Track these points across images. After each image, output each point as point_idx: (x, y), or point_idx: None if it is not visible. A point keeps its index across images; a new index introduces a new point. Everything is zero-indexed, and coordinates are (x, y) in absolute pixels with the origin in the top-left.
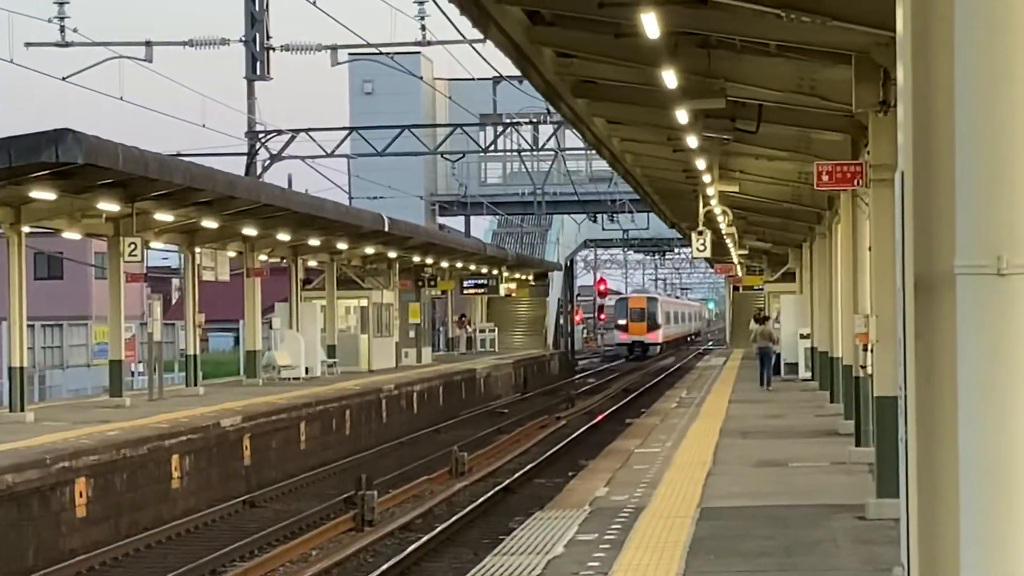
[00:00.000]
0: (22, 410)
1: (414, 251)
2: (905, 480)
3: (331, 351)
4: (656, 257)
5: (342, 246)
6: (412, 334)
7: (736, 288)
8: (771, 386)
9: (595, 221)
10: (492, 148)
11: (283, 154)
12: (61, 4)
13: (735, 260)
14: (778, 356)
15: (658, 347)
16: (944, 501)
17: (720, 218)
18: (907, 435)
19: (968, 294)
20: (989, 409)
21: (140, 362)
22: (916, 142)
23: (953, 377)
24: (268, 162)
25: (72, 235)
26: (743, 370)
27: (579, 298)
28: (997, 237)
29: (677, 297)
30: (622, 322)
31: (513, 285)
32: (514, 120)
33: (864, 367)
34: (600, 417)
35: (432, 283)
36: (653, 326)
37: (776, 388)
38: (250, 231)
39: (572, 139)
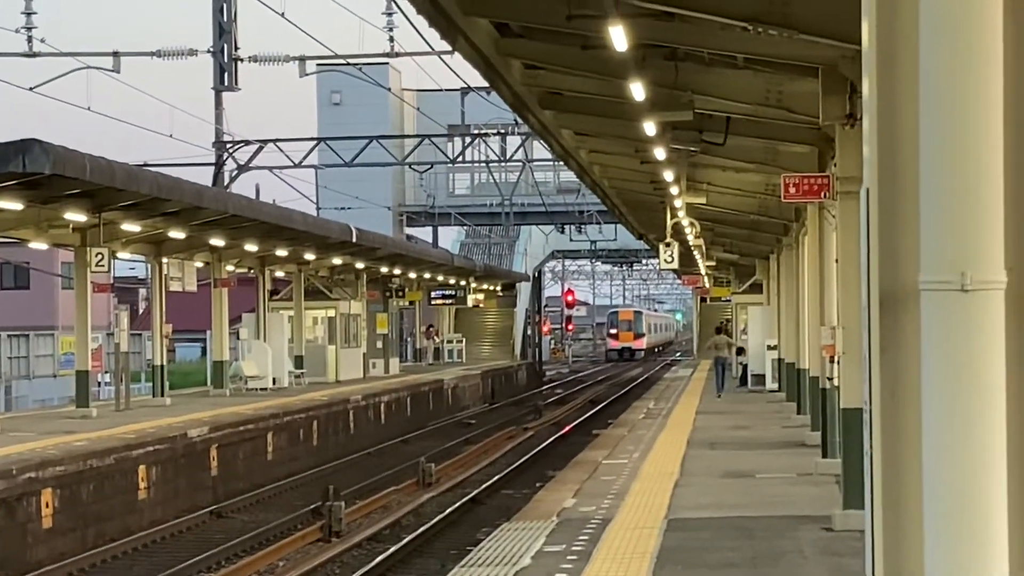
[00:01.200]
0: None
1: (382, 262)
2: (870, 493)
3: (298, 362)
4: (624, 268)
5: (310, 257)
6: (380, 345)
7: (704, 299)
8: (720, 395)
9: (563, 232)
10: (460, 159)
11: (251, 165)
12: (29, 15)
13: (703, 271)
14: (745, 367)
15: (642, 352)
16: (908, 514)
17: (688, 229)
18: (872, 448)
19: (932, 310)
20: (953, 423)
21: (107, 372)
22: (881, 157)
23: (917, 391)
24: (236, 172)
25: (39, 245)
26: (710, 382)
27: (547, 309)
28: (961, 253)
29: (655, 310)
30: (613, 331)
31: (481, 296)
32: (482, 131)
33: (831, 379)
34: (568, 428)
35: (400, 294)
36: (639, 335)
37: (729, 397)
38: (217, 241)
39: (540, 150)
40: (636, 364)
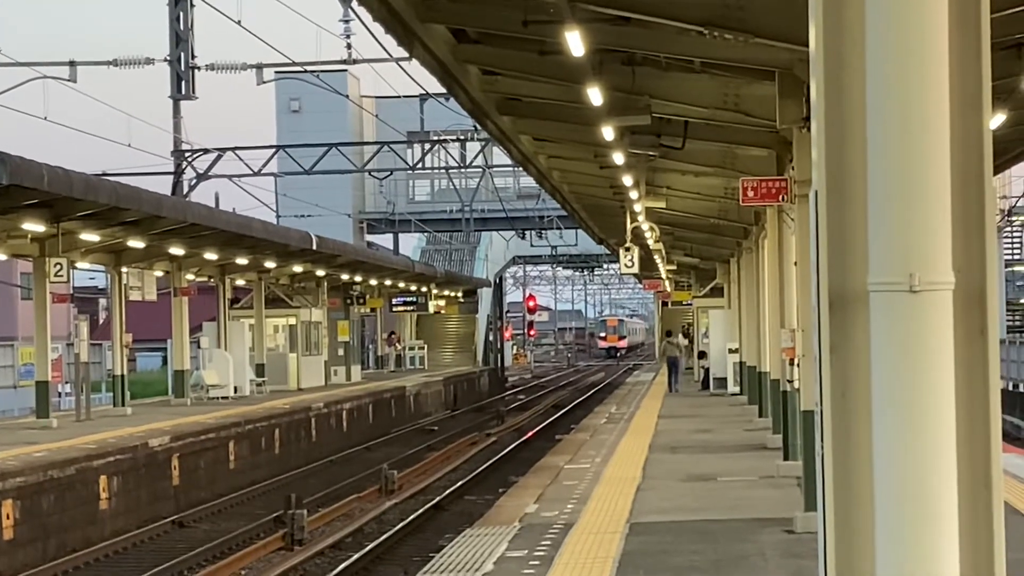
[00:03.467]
0: None
1: (342, 269)
2: (822, 494)
3: (260, 370)
4: (585, 273)
5: (270, 265)
6: (341, 352)
7: (665, 303)
8: (674, 390)
9: (524, 238)
10: (420, 165)
11: (210, 173)
12: None
13: (663, 275)
14: (707, 371)
15: (624, 350)
16: (859, 514)
17: (648, 234)
18: (823, 449)
19: (881, 311)
20: (902, 423)
21: (67, 383)
22: (829, 159)
23: (868, 392)
24: (195, 181)
25: None
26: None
27: (509, 315)
28: (909, 255)
29: (631, 317)
30: (603, 335)
31: (442, 302)
32: (441, 138)
33: (791, 381)
34: (530, 433)
35: (361, 301)
36: (621, 336)
37: (691, 400)
38: (177, 250)
39: (499, 156)
40: (598, 369)
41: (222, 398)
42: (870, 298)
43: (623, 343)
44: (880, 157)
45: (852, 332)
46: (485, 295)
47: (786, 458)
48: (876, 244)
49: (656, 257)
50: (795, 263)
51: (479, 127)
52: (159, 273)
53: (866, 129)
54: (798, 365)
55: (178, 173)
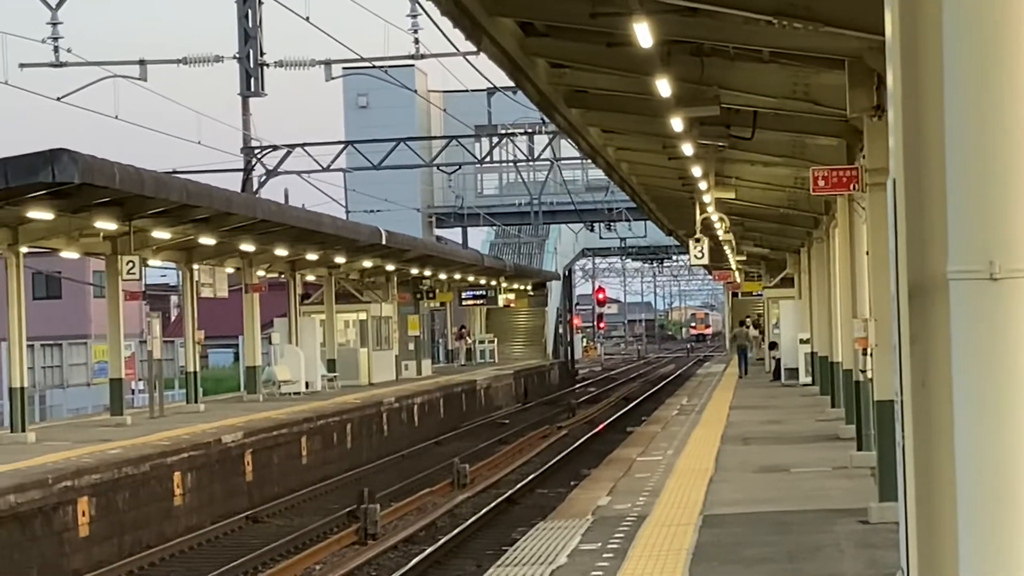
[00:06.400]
0: (23, 430)
1: (412, 263)
2: (903, 485)
3: (331, 365)
4: (654, 265)
5: (340, 260)
6: (411, 346)
7: (735, 294)
8: (745, 375)
9: (592, 230)
10: (488, 159)
11: (279, 169)
12: (55, 25)
13: (733, 266)
14: (778, 361)
15: (708, 335)
16: (942, 505)
17: (717, 225)
18: (904, 440)
19: (961, 299)
20: (984, 413)
21: (140, 380)
22: (907, 148)
23: (948, 381)
24: (264, 178)
25: (70, 254)
26: (742, 379)
27: (578, 307)
28: (989, 242)
29: (712, 309)
30: (693, 324)
31: (512, 296)
32: (509, 131)
33: (864, 371)
34: (601, 426)
35: (431, 295)
36: (707, 326)
37: (763, 391)
38: (248, 247)
39: (568, 149)
40: (669, 360)
41: (294, 394)
42: (950, 286)
43: (708, 330)
44: (958, 144)
45: (932, 321)
46: (554, 288)
47: (859, 448)
48: (955, 232)
49: (726, 248)
50: (867, 252)
51: (547, 120)
52: (230, 270)
53: (943, 116)
54: (871, 355)
55: (248, 170)
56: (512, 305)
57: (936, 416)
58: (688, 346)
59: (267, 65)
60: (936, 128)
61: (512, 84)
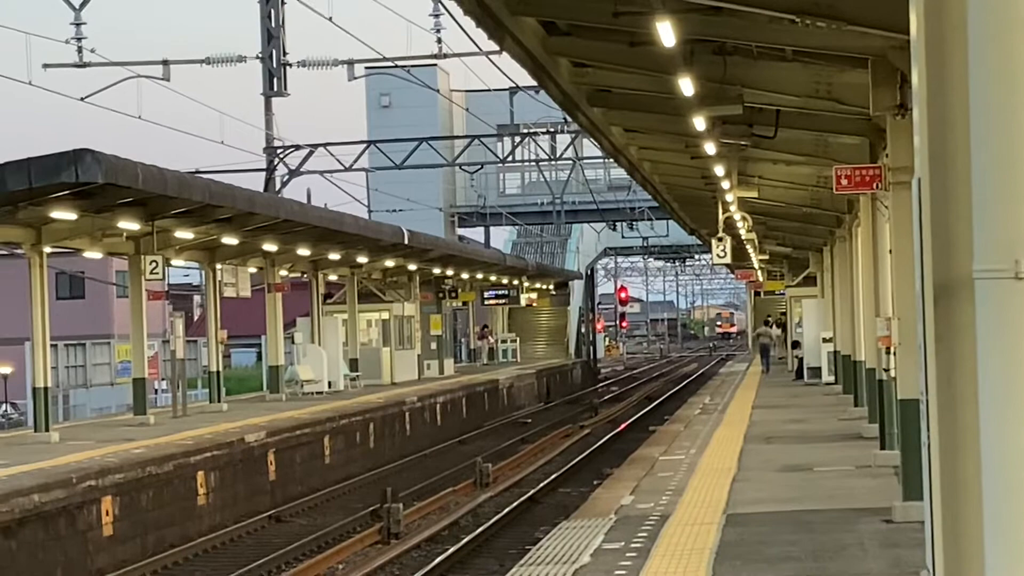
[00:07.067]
0: (47, 430)
1: (434, 263)
2: (929, 484)
3: (353, 365)
4: (676, 264)
5: (362, 260)
6: (434, 346)
7: (757, 293)
8: (767, 372)
9: (615, 229)
10: (510, 159)
11: (301, 169)
12: (78, 25)
13: (756, 265)
14: (801, 360)
15: (734, 334)
16: (968, 504)
17: (740, 224)
18: (930, 439)
19: (987, 298)
20: (1010, 412)
21: (163, 379)
22: (932, 146)
23: (974, 381)
24: (287, 177)
25: (93, 254)
26: (765, 375)
27: (600, 306)
28: (1015, 241)
29: (736, 308)
30: (719, 323)
31: (534, 295)
32: (531, 130)
33: (887, 370)
34: (624, 425)
35: (453, 295)
36: (731, 325)
37: (785, 390)
38: (270, 247)
39: (590, 148)
40: (691, 360)
41: (316, 393)
42: (975, 286)
43: (733, 328)
44: (984, 143)
45: (957, 320)
46: (577, 287)
47: (883, 447)
48: (981, 231)
49: (748, 247)
50: (890, 251)
51: (569, 119)
52: (253, 269)
53: (969, 115)
54: (894, 353)
55: (270, 170)
56: (534, 304)
57: (962, 415)
58: (711, 345)
59: (290, 65)
60: (961, 127)
61: (535, 83)
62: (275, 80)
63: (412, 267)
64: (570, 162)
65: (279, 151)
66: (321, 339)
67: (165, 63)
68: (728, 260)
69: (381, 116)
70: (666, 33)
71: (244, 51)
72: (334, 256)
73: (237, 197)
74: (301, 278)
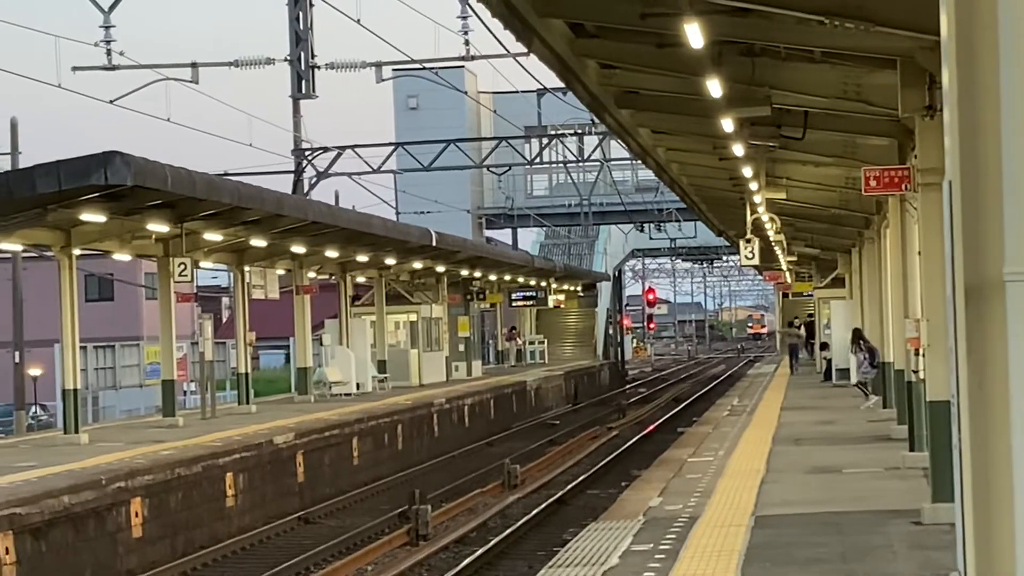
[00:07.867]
0: (76, 432)
1: (462, 265)
2: (960, 486)
3: (382, 366)
4: (704, 265)
5: (390, 261)
6: (462, 347)
7: (785, 295)
8: (796, 371)
9: (642, 231)
10: (538, 160)
11: (330, 171)
12: (107, 28)
13: (784, 267)
14: (829, 362)
15: (764, 334)
16: (999, 506)
17: (768, 225)
18: (960, 441)
19: (1018, 301)
20: None
21: (192, 381)
22: (963, 148)
23: (1005, 382)
24: (315, 179)
25: (122, 257)
26: (794, 377)
27: (628, 308)
28: None
29: (765, 310)
30: (751, 325)
31: (562, 296)
32: (559, 132)
33: (916, 372)
34: (652, 427)
35: (481, 296)
36: (762, 326)
37: (814, 392)
38: (299, 249)
39: (617, 149)
40: (719, 361)
41: (345, 395)
42: (1006, 288)
43: (763, 329)
44: (1015, 144)
45: (988, 323)
46: (604, 289)
47: (912, 449)
48: (1011, 233)
49: (776, 248)
50: (919, 252)
51: (597, 121)
52: (281, 271)
53: (1000, 117)
54: (923, 355)
55: (299, 172)
56: (562, 306)
57: (993, 417)
58: (739, 346)
59: (318, 67)
60: (993, 129)
61: (562, 85)
62: (303, 82)
63: (440, 269)
64: (598, 164)
65: (307, 153)
66: (349, 341)
67: (194, 65)
68: (756, 262)
69: (409, 118)
70: (694, 35)
71: (272, 53)
72: (362, 258)
73: (265, 199)
74: (329, 280)
